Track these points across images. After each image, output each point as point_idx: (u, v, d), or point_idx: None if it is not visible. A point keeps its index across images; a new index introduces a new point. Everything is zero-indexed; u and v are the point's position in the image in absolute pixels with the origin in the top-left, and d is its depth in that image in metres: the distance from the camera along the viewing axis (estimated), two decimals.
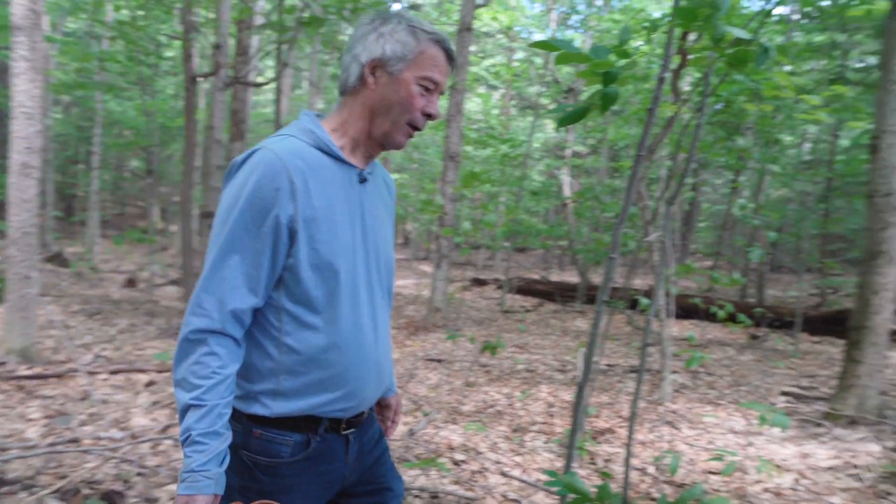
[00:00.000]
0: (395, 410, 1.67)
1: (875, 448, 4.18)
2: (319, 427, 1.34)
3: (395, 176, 18.19)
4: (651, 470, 3.75)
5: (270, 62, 16.45)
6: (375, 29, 1.31)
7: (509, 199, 11.94)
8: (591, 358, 1.95)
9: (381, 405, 1.65)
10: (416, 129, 1.35)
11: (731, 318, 5.29)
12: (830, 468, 3.89)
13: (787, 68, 8.64)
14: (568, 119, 1.73)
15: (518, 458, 3.88)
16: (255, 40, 9.77)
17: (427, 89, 1.32)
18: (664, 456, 3.72)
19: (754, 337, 8.32)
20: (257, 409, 1.30)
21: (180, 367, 1.23)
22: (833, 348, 7.70)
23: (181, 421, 1.21)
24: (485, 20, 14.94)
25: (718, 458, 3.05)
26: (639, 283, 11.66)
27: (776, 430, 4.38)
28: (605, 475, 3.24)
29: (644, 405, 5.07)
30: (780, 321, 8.49)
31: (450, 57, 1.34)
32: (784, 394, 5.66)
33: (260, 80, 13.69)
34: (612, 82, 1.63)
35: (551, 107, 14.44)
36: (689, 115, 4.81)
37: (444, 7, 16.58)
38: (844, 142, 13.52)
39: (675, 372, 5.98)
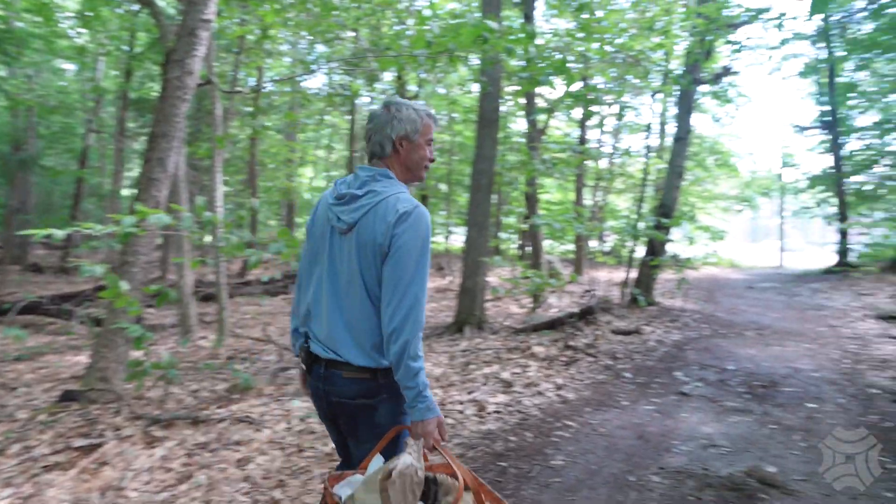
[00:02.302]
0: None
1: None
2: None
3: None
4: None
5: None
6: (394, 116, 2.10)
7: None
8: None
9: None
10: (427, 168, 2.20)
11: None
12: None
13: None
14: None
15: None
16: None
17: (429, 143, 2.17)
18: None
19: None
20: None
21: (415, 349, 1.91)
22: None
23: (416, 379, 1.91)
24: None
25: None
26: None
27: None
28: None
29: None
30: None
31: (435, 121, 2.19)
32: None
33: None
34: None
35: None
36: None
37: None
38: None
39: None
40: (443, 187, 21.10)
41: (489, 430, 4.51)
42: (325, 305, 2.07)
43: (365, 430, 2.06)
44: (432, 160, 2.19)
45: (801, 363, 7.03)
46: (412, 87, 15.12)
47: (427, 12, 9.83)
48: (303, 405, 4.91)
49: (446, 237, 19.22)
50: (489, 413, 4.93)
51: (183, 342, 6.57)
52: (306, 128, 19.15)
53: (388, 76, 15.99)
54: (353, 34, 11.41)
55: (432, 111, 2.21)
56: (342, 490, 1.92)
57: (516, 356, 6.88)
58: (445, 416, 4.73)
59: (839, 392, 5.86)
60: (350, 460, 2.17)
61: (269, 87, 15.09)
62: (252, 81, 14.78)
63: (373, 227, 1.96)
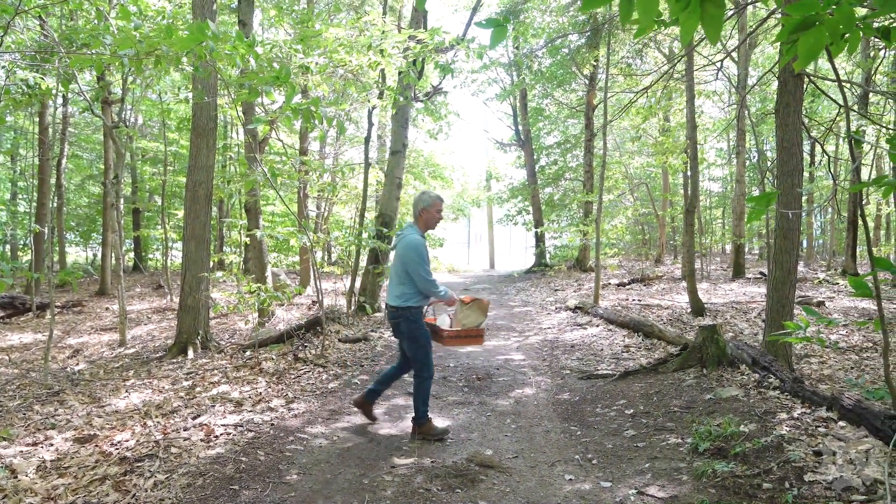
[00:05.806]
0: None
1: None
2: None
3: None
4: None
5: None
6: (421, 199, 4.80)
7: None
8: None
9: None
10: (437, 223, 4.92)
11: None
12: None
13: None
14: None
15: None
16: None
17: (438, 211, 4.84)
18: None
19: None
20: (414, 303, 4.69)
21: (433, 287, 4.61)
22: None
23: (438, 293, 4.66)
24: None
25: None
26: None
27: None
28: None
29: None
30: None
31: (442, 200, 4.93)
32: None
33: None
34: None
35: None
36: None
37: None
38: None
39: None
40: (157, 199, 19.45)
41: (219, 455, 4.26)
42: (392, 283, 4.74)
43: (398, 332, 4.73)
44: (440, 218, 4.91)
45: (511, 354, 7.86)
46: (117, 90, 13.71)
47: (132, 8, 9.00)
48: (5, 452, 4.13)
49: (164, 254, 17.68)
50: (218, 436, 4.66)
51: None
52: None
53: (88, 76, 14.29)
54: (39, 22, 9.96)
55: (441, 196, 4.94)
56: (441, 319, 5.21)
57: (245, 373, 6.61)
58: (168, 446, 4.36)
59: (541, 375, 6.67)
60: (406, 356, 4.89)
61: None
62: None
63: (403, 249, 4.59)
